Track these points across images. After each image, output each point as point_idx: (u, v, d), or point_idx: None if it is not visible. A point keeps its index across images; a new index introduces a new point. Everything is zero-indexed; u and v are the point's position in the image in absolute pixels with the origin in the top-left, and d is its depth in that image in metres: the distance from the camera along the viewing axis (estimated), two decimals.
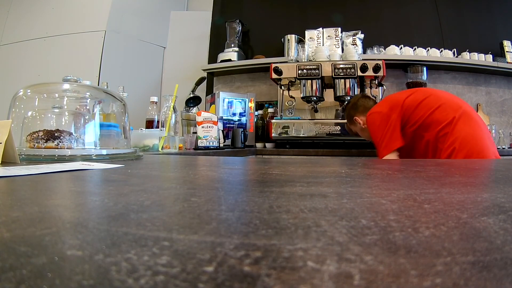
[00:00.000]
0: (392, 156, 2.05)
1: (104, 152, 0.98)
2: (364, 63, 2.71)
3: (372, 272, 0.16)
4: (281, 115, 3.08)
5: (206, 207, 0.30)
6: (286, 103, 3.12)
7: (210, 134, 2.27)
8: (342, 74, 2.73)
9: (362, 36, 3.39)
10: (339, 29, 3.37)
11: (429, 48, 3.38)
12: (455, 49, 3.40)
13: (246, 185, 0.46)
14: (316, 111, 3.00)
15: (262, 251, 0.19)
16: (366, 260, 0.17)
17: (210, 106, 3.23)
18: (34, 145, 0.93)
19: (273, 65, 2.93)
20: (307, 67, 2.83)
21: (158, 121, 2.09)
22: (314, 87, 2.85)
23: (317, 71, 2.80)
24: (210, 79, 3.96)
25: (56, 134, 0.94)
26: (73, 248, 0.19)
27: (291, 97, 3.05)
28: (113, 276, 0.15)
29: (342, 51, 3.25)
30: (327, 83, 2.94)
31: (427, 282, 0.15)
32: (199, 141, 2.25)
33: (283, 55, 3.47)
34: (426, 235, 0.22)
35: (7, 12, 3.76)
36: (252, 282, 0.15)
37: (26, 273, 0.15)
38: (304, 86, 2.89)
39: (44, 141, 0.93)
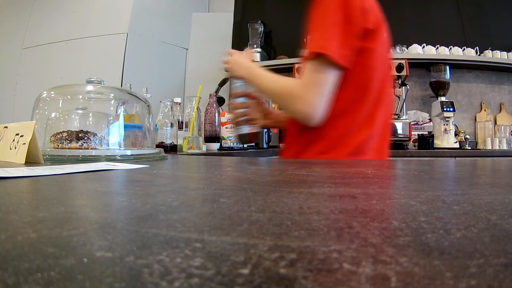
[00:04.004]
0: (326, 75, 1.18)
1: (128, 152, 0.98)
2: None
3: (408, 274, 0.16)
4: None
5: (236, 208, 0.30)
6: None
7: (234, 134, 2.28)
8: None
9: None
10: None
11: (451, 46, 3.35)
12: (477, 47, 3.35)
13: (273, 185, 0.45)
14: None
15: (296, 252, 0.19)
16: (401, 262, 0.17)
17: None
18: (58, 145, 0.94)
19: (296, 66, 2.92)
20: None
21: (182, 122, 2.10)
22: None
23: None
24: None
25: (80, 135, 0.95)
26: (102, 249, 0.19)
27: None
28: (146, 279, 0.15)
29: None
30: None
31: (462, 284, 0.15)
32: (223, 141, 2.26)
33: None
34: (457, 237, 0.22)
35: (29, 16, 3.83)
36: (289, 285, 0.14)
37: (54, 274, 0.15)
38: None
39: (68, 141, 0.94)
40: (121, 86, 3.11)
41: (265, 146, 2.85)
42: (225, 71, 1.45)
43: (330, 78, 1.17)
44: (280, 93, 1.27)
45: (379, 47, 1.26)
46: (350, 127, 1.26)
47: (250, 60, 1.44)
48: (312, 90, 1.18)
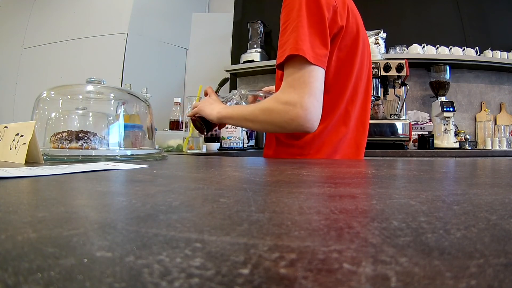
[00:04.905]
0: (309, 72, 1.04)
1: (128, 152, 0.98)
2: (387, 63, 2.68)
3: (408, 274, 0.16)
4: None
5: (236, 208, 0.30)
6: None
7: (233, 134, 2.28)
8: None
9: (384, 35, 3.37)
10: None
11: (451, 46, 3.35)
12: (477, 47, 3.35)
13: (273, 185, 0.45)
14: None
15: (296, 252, 0.19)
16: (401, 262, 0.17)
17: None
18: (58, 145, 0.93)
19: None
20: None
21: (181, 122, 2.10)
22: None
23: None
24: (233, 80, 3.98)
25: (80, 135, 0.95)
26: (102, 249, 0.19)
27: None
28: (146, 279, 0.15)
29: None
30: None
31: (462, 284, 0.15)
32: (223, 141, 2.26)
33: None
34: (457, 237, 0.22)
35: (29, 16, 3.84)
36: (289, 285, 0.15)
37: (54, 274, 0.15)
38: None
39: (68, 141, 0.94)
40: (121, 86, 3.11)
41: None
42: (194, 116, 1.40)
43: (315, 75, 1.04)
44: (261, 111, 1.13)
45: (355, 44, 1.20)
46: (327, 129, 1.20)
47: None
48: (299, 91, 1.04)
